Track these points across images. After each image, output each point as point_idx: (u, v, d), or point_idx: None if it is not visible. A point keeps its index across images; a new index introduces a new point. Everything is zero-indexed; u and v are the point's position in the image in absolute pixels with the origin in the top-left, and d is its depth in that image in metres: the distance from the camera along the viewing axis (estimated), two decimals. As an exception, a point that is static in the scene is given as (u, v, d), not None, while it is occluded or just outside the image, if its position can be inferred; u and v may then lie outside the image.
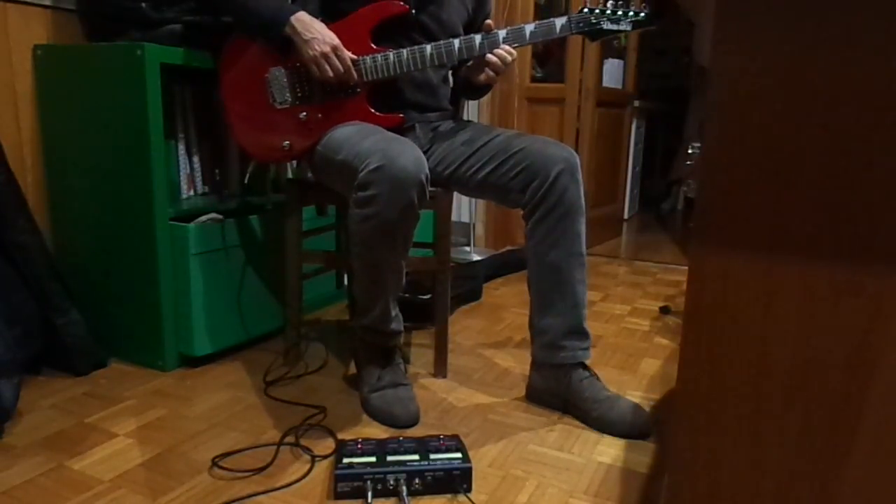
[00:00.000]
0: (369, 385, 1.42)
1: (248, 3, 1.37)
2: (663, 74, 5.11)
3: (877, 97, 0.64)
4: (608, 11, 1.39)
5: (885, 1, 0.63)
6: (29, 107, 1.62)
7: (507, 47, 1.39)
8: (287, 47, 1.37)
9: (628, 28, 1.40)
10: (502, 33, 1.38)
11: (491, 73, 1.42)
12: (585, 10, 1.40)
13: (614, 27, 1.39)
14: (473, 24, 1.60)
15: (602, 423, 1.35)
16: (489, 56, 1.39)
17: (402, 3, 1.40)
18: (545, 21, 1.39)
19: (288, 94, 1.41)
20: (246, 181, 1.80)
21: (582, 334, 1.40)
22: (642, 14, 1.39)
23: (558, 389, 1.42)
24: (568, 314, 1.39)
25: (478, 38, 1.38)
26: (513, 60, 1.41)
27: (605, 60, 3.24)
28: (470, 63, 1.46)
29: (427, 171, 1.22)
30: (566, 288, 1.38)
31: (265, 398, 1.46)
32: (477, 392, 1.53)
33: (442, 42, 1.39)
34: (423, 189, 1.21)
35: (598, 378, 1.41)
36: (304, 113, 1.41)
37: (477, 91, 1.59)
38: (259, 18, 1.37)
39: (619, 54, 3.46)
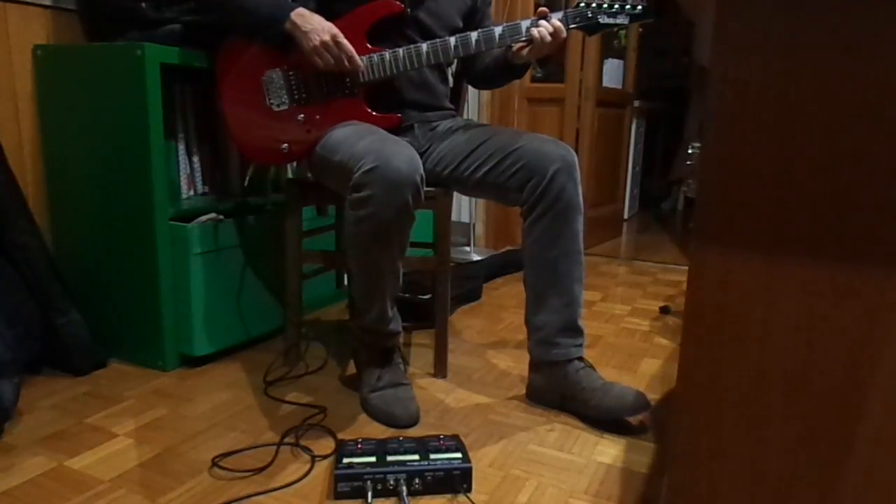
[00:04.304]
0: (369, 385, 1.42)
1: (245, 4, 1.36)
2: (663, 74, 5.10)
3: (876, 97, 0.64)
4: (605, 5, 1.38)
5: (884, 2, 0.63)
6: (29, 107, 1.62)
7: (556, 22, 1.37)
8: (285, 47, 1.37)
9: (625, 21, 1.39)
10: (498, 30, 1.38)
11: (536, 38, 1.38)
12: (582, 4, 1.39)
13: (611, 21, 1.38)
14: (475, 12, 1.59)
15: (601, 410, 1.35)
16: (533, 31, 1.37)
17: (397, 1, 1.40)
18: (542, 17, 1.38)
19: (285, 97, 1.41)
20: (246, 184, 1.80)
21: (576, 331, 1.41)
22: (639, 7, 1.38)
23: (556, 385, 1.42)
24: (563, 311, 1.39)
25: (474, 34, 1.38)
26: (555, 31, 1.36)
27: (605, 60, 3.24)
28: (513, 46, 1.45)
29: (422, 171, 1.22)
30: (562, 285, 1.38)
31: (265, 398, 1.46)
32: (477, 392, 1.53)
33: (438, 40, 1.39)
34: (418, 189, 1.21)
35: (593, 368, 1.42)
36: (302, 115, 1.41)
37: (514, 72, 1.56)
38: (258, 18, 1.36)
39: (619, 54, 3.46)
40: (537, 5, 3.03)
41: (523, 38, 1.39)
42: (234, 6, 1.38)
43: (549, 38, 1.37)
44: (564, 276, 1.38)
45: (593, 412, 1.36)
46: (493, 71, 1.59)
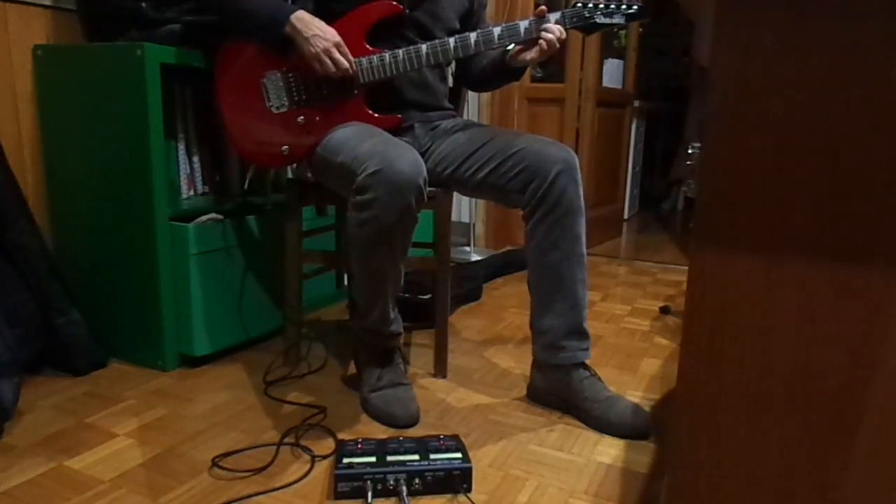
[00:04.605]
0: (369, 385, 1.42)
1: (245, 6, 1.36)
2: (663, 74, 5.11)
3: (877, 97, 0.64)
4: (601, 5, 1.38)
5: (884, 1, 0.62)
6: (29, 107, 1.62)
7: (559, 27, 1.38)
8: (284, 49, 1.37)
9: (622, 21, 1.39)
10: (497, 30, 1.38)
11: (545, 48, 1.39)
12: (579, 4, 1.39)
13: (608, 20, 1.38)
14: (471, 14, 1.59)
15: (601, 423, 1.35)
16: (542, 37, 1.37)
17: (395, 2, 1.40)
18: (540, 17, 1.38)
19: (285, 99, 1.41)
20: (246, 186, 1.80)
21: (582, 334, 1.40)
22: (635, 7, 1.39)
23: (559, 389, 1.42)
24: (568, 315, 1.39)
25: (473, 35, 1.38)
26: (561, 36, 1.38)
27: (605, 60, 3.24)
28: (511, 47, 1.45)
29: (425, 174, 1.22)
30: (566, 288, 1.38)
31: (265, 398, 1.46)
32: (477, 392, 1.53)
33: (437, 41, 1.39)
34: (421, 192, 1.21)
35: (598, 378, 1.41)
36: (302, 117, 1.41)
37: (511, 74, 1.56)
38: (258, 20, 1.36)
39: (619, 54, 3.46)
40: (537, 5, 3.04)
41: (521, 39, 1.40)
42: (234, 9, 1.38)
43: (557, 44, 1.38)
44: (568, 278, 1.38)
45: (594, 423, 1.36)
46: (490, 73, 1.59)
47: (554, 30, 1.37)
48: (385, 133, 1.34)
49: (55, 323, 1.52)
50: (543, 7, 1.40)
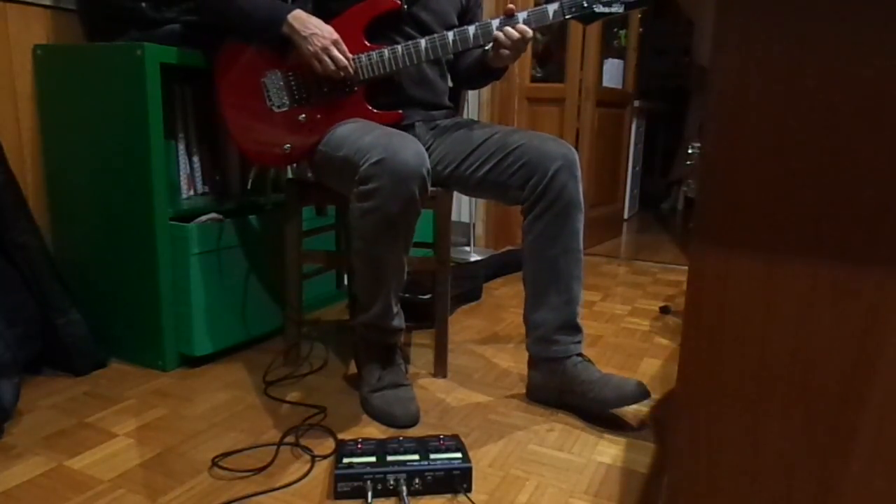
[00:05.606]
0: (369, 385, 1.42)
1: (243, 7, 1.36)
2: (663, 74, 5.11)
3: (877, 97, 0.64)
4: None
5: (884, 1, 0.62)
6: (29, 107, 1.62)
7: (521, 27, 1.36)
8: (283, 48, 1.37)
9: (620, 10, 1.38)
10: (495, 23, 1.38)
11: (505, 53, 1.39)
12: None
13: (606, 10, 1.37)
14: (467, 12, 1.60)
15: (599, 401, 1.35)
16: (496, 34, 1.37)
17: None
18: (538, 8, 1.38)
19: (286, 98, 1.41)
20: (249, 187, 1.80)
21: (575, 329, 1.41)
22: None
23: (554, 381, 1.42)
24: (562, 309, 1.39)
25: (472, 28, 1.38)
26: (521, 38, 1.36)
27: (605, 60, 3.24)
28: (487, 48, 1.46)
29: (428, 165, 1.22)
30: (561, 283, 1.39)
31: (265, 398, 1.46)
32: (477, 392, 1.53)
33: (436, 35, 1.39)
34: (425, 182, 1.21)
35: (591, 362, 1.42)
36: (303, 115, 1.41)
37: (492, 74, 1.56)
38: (256, 21, 1.36)
39: (619, 54, 3.46)
40: (537, 3, 3.03)
41: (491, 39, 1.39)
42: (233, 10, 1.38)
43: (513, 38, 1.36)
44: (564, 273, 1.38)
45: (591, 404, 1.36)
46: (474, 72, 1.60)
47: (519, 29, 1.36)
48: (387, 127, 1.34)
49: (55, 323, 1.52)
50: (511, 6, 1.40)
